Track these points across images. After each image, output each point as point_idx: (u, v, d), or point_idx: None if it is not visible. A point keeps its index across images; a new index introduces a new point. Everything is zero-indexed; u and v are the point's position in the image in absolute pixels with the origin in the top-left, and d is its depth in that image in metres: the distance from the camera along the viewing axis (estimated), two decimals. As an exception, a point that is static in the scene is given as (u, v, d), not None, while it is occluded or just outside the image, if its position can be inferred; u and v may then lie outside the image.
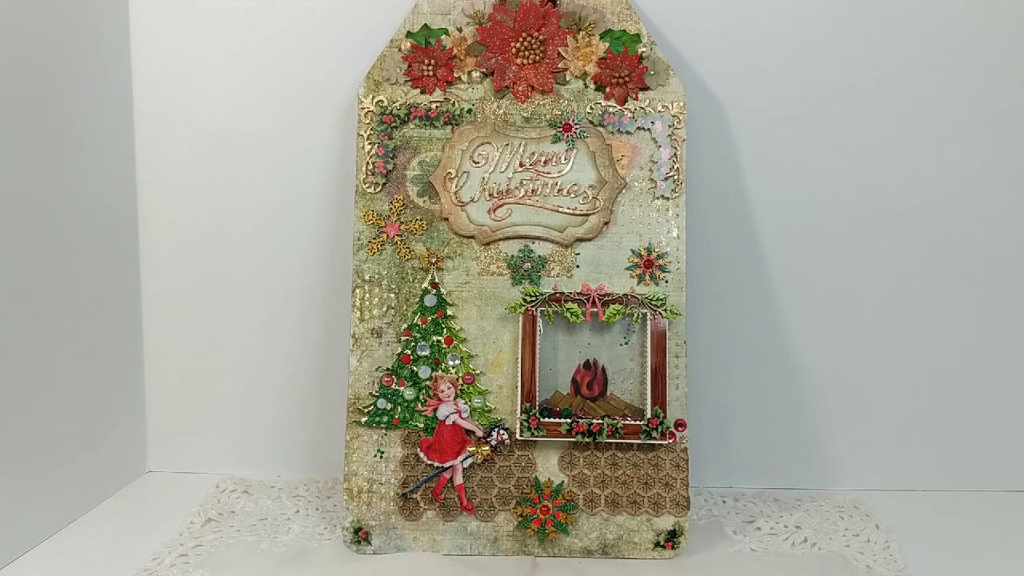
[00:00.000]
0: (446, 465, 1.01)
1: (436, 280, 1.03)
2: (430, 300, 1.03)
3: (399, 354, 1.02)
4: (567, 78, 1.05)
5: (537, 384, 1.00)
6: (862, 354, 1.17)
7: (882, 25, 1.11)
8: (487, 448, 1.01)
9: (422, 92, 1.05)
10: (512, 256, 1.03)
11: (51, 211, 1.02)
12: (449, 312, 1.03)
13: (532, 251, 1.03)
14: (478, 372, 1.02)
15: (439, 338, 1.03)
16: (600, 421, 0.99)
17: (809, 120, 1.13)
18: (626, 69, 1.04)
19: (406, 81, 1.05)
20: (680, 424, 1.00)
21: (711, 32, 1.11)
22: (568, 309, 1.01)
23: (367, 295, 1.03)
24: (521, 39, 1.04)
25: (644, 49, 1.04)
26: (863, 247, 1.15)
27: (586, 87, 1.05)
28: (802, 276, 1.16)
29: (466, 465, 1.01)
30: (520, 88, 1.04)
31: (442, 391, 1.01)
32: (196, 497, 1.12)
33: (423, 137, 1.05)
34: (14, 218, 0.96)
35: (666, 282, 1.02)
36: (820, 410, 1.18)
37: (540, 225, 1.04)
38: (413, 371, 1.02)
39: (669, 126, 1.04)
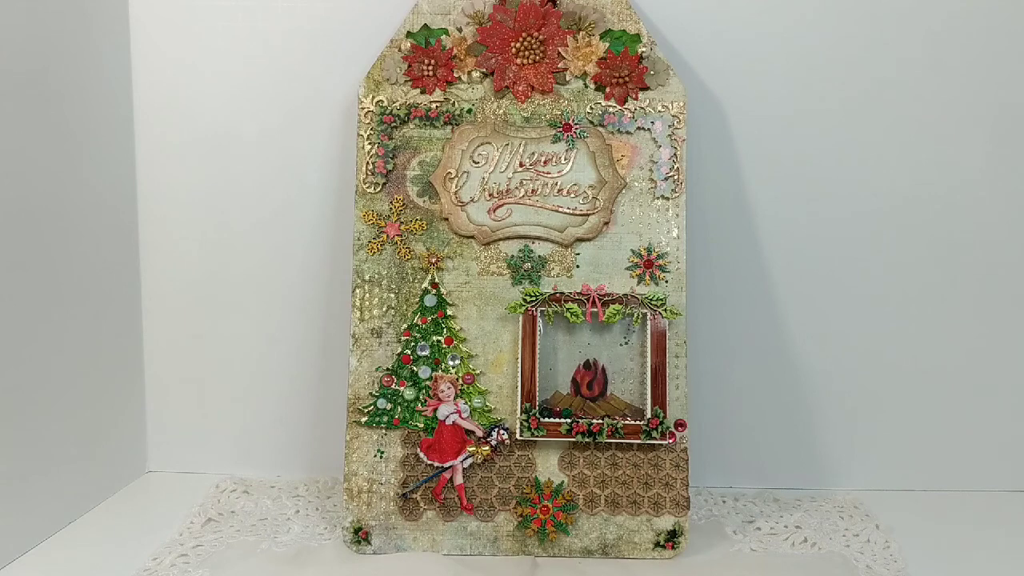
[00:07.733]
0: (446, 465, 1.01)
1: (436, 280, 1.03)
2: (430, 300, 1.03)
3: (399, 354, 1.02)
4: (567, 78, 1.05)
5: (537, 384, 1.00)
6: (862, 354, 1.17)
7: (882, 25, 1.11)
8: (487, 448, 1.01)
9: (422, 92, 1.05)
10: (512, 256, 1.03)
11: (51, 211, 1.02)
12: (449, 312, 1.03)
13: (532, 251, 1.03)
14: (478, 372, 1.02)
15: (439, 338, 1.03)
16: (600, 421, 0.99)
17: (809, 120, 1.13)
18: (626, 69, 1.04)
19: (406, 81, 1.05)
20: (680, 424, 1.00)
21: (711, 32, 1.11)
22: (568, 309, 1.01)
23: (367, 295, 1.03)
24: (521, 39, 1.04)
25: (644, 49, 1.04)
26: (863, 247, 1.15)
27: (586, 87, 1.04)
28: (802, 276, 1.16)
29: (466, 465, 1.01)
30: (520, 88, 1.04)
31: (442, 391, 1.01)
32: (196, 497, 1.12)
33: (423, 137, 1.05)
34: (14, 218, 0.96)
35: (666, 282, 1.02)
36: (820, 410, 1.18)
37: (540, 225, 1.03)
38: (413, 371, 1.02)
39: (669, 126, 1.04)
